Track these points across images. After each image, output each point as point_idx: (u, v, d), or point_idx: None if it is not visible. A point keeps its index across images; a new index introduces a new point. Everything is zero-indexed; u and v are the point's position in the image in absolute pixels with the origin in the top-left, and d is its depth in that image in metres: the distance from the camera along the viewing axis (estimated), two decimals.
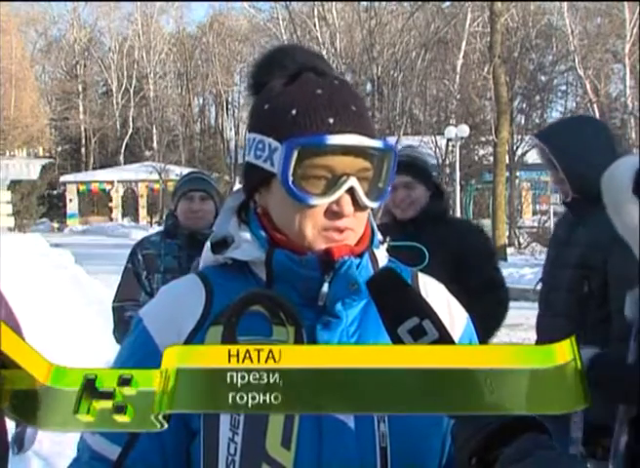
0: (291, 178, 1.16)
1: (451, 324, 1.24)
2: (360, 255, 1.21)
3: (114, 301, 3.62)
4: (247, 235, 1.24)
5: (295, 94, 1.20)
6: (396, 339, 1.05)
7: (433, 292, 1.31)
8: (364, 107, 1.23)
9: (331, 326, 1.19)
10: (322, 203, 1.17)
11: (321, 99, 1.18)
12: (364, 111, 1.22)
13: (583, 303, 2.68)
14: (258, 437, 1.13)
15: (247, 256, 1.22)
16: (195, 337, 1.19)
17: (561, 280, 2.78)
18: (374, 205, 1.21)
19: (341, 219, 1.18)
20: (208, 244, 1.28)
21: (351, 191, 1.17)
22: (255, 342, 1.14)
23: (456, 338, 1.20)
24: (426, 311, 1.06)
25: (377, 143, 1.19)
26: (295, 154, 1.15)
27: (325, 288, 1.18)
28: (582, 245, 2.71)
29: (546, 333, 2.83)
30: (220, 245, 1.26)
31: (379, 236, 1.29)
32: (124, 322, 3.45)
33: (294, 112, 1.18)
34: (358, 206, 1.18)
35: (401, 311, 1.05)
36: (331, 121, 1.17)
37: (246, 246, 1.23)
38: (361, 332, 1.21)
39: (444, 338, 1.04)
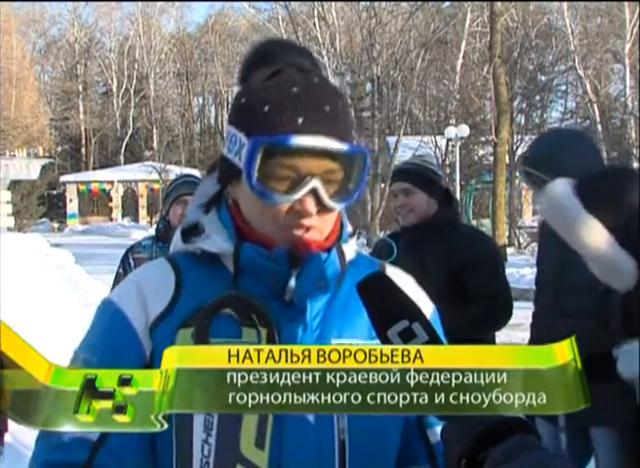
0: (256, 175, 1.16)
1: None
2: (328, 250, 1.22)
3: None
4: (216, 226, 1.24)
5: (270, 90, 1.20)
6: (386, 342, 1.06)
7: (401, 283, 1.31)
8: (341, 108, 1.21)
9: (296, 320, 1.20)
10: (284, 201, 1.17)
11: (294, 98, 1.18)
12: (340, 112, 1.21)
13: (605, 302, 2.69)
14: (232, 438, 1.14)
15: (215, 248, 1.23)
16: (159, 327, 1.19)
17: (577, 281, 2.79)
18: (338, 206, 1.21)
19: (304, 219, 1.18)
20: (179, 230, 1.29)
21: (315, 192, 1.17)
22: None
23: None
24: (416, 314, 1.06)
25: (342, 147, 1.18)
26: (260, 152, 1.15)
27: (292, 282, 1.19)
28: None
29: (564, 337, 2.82)
30: (191, 232, 1.26)
31: (349, 229, 1.30)
32: None
33: (266, 109, 1.18)
34: (322, 206, 1.18)
35: (391, 314, 1.06)
36: (300, 121, 1.16)
37: (215, 237, 1.23)
38: (325, 325, 1.22)
39: (433, 341, 1.05)
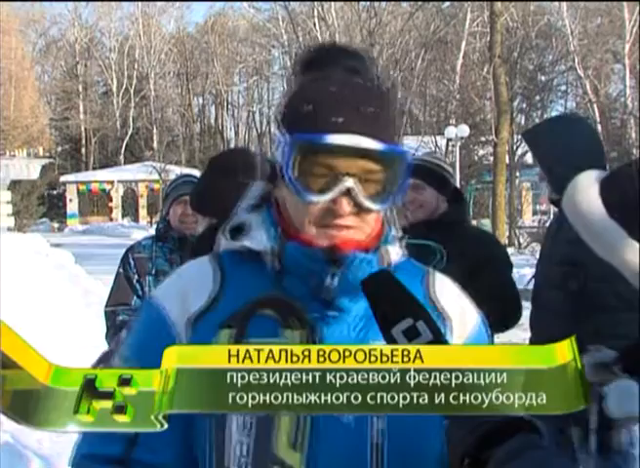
0: (295, 174, 1.16)
1: (463, 324, 1.25)
2: (369, 251, 1.21)
3: (106, 306, 3.62)
4: (261, 225, 1.25)
5: (312, 90, 1.20)
6: (390, 340, 1.06)
7: (447, 290, 1.30)
8: (385, 109, 1.21)
9: (336, 320, 1.19)
10: (318, 200, 1.17)
11: (336, 97, 1.18)
12: (382, 113, 1.20)
13: (574, 300, 2.69)
14: (267, 438, 1.14)
15: (259, 246, 1.23)
16: (200, 323, 1.20)
17: (550, 277, 2.80)
18: (376, 207, 1.19)
19: (340, 219, 1.18)
20: (226, 228, 1.30)
21: (350, 192, 1.16)
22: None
23: (465, 338, 1.21)
24: (420, 312, 1.06)
25: (378, 146, 1.17)
26: (296, 150, 1.16)
27: (331, 282, 1.18)
28: (567, 242, 2.70)
29: (541, 332, 2.83)
30: (238, 230, 1.27)
31: (394, 232, 1.28)
32: (116, 326, 3.46)
33: (307, 108, 1.18)
34: (360, 206, 1.18)
35: (395, 312, 1.06)
36: (340, 120, 1.16)
37: (259, 236, 1.24)
38: (368, 328, 1.20)
39: (437, 340, 1.05)
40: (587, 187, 1.53)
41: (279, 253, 1.21)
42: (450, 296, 1.29)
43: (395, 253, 1.27)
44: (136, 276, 3.55)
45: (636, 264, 1.49)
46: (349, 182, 1.16)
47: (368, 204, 1.18)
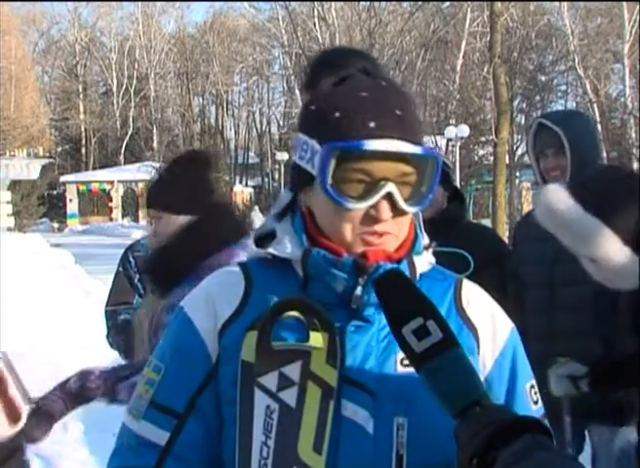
0: (330, 181, 1.16)
1: (493, 334, 1.24)
2: (398, 261, 1.21)
3: (107, 305, 3.61)
4: (288, 232, 1.25)
5: (340, 95, 1.20)
6: (400, 339, 1.06)
7: (477, 300, 1.29)
8: (411, 110, 1.21)
9: (362, 329, 1.19)
10: (359, 207, 1.17)
11: (365, 102, 1.18)
12: (410, 115, 1.20)
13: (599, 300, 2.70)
14: (290, 441, 1.14)
15: (285, 253, 1.23)
16: (228, 330, 1.21)
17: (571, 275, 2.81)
18: (413, 210, 1.20)
19: (379, 224, 1.17)
20: (252, 236, 1.30)
21: (390, 196, 1.16)
22: (289, 348, 1.17)
23: (498, 348, 1.21)
24: (431, 312, 1.07)
25: (416, 150, 1.17)
26: (333, 158, 1.16)
27: (358, 291, 1.18)
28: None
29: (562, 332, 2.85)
30: (266, 238, 1.27)
31: (424, 241, 1.28)
32: (117, 325, 3.46)
33: (337, 115, 1.18)
34: (397, 210, 1.18)
35: (405, 311, 1.06)
36: (372, 125, 1.16)
37: (286, 243, 1.24)
38: (391, 338, 1.19)
39: (448, 339, 1.05)
40: (558, 192, 1.57)
41: (303, 259, 1.21)
42: (480, 306, 1.28)
43: (425, 262, 1.26)
44: (137, 275, 3.55)
45: (612, 254, 1.52)
46: (390, 187, 1.16)
47: (406, 207, 1.18)
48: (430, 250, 1.29)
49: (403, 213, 1.19)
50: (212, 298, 1.24)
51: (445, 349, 1.05)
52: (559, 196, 1.59)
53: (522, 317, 2.98)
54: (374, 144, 1.15)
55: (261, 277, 1.25)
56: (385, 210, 1.16)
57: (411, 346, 1.06)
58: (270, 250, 1.25)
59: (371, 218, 1.17)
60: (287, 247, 1.23)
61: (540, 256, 2.91)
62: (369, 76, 1.23)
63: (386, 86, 1.22)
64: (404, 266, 1.21)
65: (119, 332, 3.43)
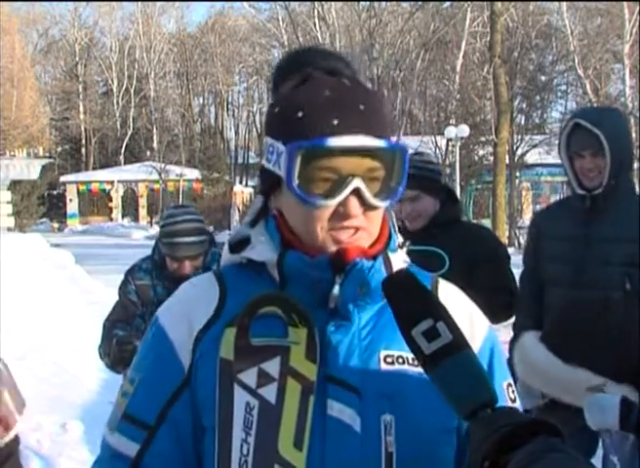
0: (296, 181, 1.16)
1: (471, 333, 1.23)
2: (374, 258, 1.20)
3: (107, 320, 3.58)
4: (262, 236, 1.24)
5: (302, 96, 1.19)
6: (410, 341, 1.05)
7: (454, 299, 1.28)
8: (376, 105, 1.21)
9: (342, 328, 1.18)
10: (327, 204, 1.16)
11: (327, 100, 1.17)
12: (375, 110, 1.20)
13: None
14: (270, 437, 1.13)
15: (261, 257, 1.22)
16: (205, 335, 1.20)
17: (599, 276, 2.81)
18: (383, 204, 1.19)
19: (349, 220, 1.17)
20: (226, 243, 1.29)
21: (358, 192, 1.16)
22: (268, 344, 1.16)
23: (476, 348, 1.19)
24: (441, 313, 1.06)
25: (381, 143, 1.17)
26: (298, 157, 1.15)
27: (336, 290, 1.17)
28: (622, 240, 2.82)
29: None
30: (240, 245, 1.26)
31: (398, 239, 1.27)
32: (110, 338, 3.43)
33: (299, 114, 1.17)
34: (367, 206, 1.17)
35: (415, 313, 1.06)
36: (335, 122, 1.16)
37: (260, 247, 1.23)
38: (374, 336, 1.19)
39: (458, 341, 1.04)
40: (536, 345, 1.58)
41: (278, 262, 1.20)
42: (457, 305, 1.26)
43: (399, 260, 1.25)
44: (140, 304, 3.50)
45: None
46: (357, 182, 1.15)
47: (375, 202, 1.17)
48: (404, 248, 1.28)
49: (373, 207, 1.18)
50: (185, 311, 1.24)
51: (455, 351, 1.04)
52: (538, 350, 1.60)
53: (540, 315, 2.97)
54: (337, 141, 1.14)
55: (236, 283, 1.24)
56: (354, 206, 1.16)
57: (420, 348, 1.05)
58: (246, 254, 1.24)
59: (340, 215, 1.16)
60: (262, 250, 1.22)
61: (566, 255, 2.93)
62: (332, 75, 1.23)
63: (349, 83, 1.21)
64: (380, 262, 1.20)
65: (110, 347, 3.42)
